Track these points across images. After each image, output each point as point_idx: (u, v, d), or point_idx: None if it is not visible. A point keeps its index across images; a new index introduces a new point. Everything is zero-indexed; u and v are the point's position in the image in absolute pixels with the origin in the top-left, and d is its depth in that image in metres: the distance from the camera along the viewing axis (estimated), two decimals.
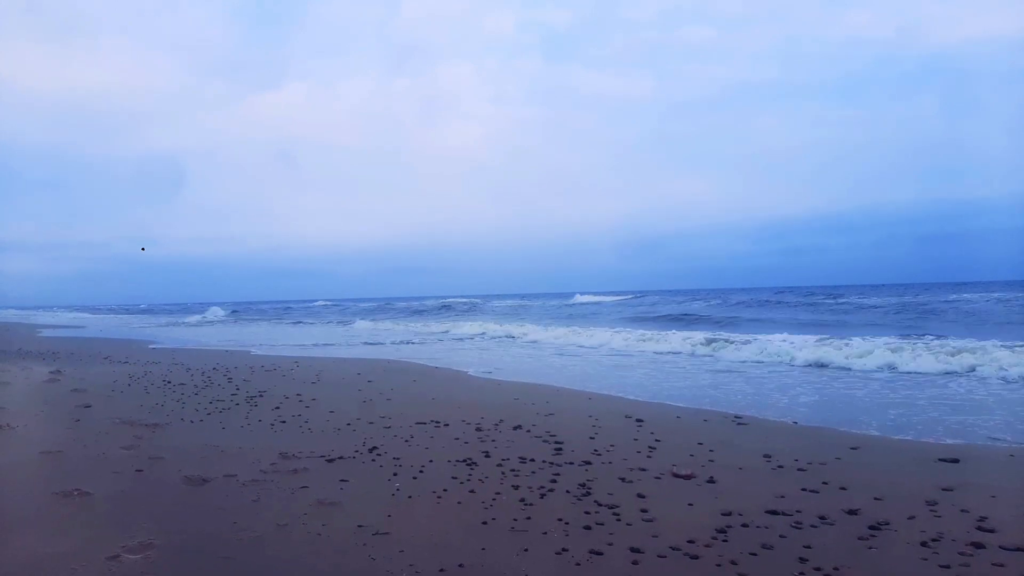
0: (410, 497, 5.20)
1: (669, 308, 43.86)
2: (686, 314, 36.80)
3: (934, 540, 4.22)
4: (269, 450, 6.68)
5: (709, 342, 18.12)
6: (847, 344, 15.81)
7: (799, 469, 5.97)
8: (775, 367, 14.44)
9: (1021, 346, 13.38)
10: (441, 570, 3.80)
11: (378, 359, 17.72)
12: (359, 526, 4.49)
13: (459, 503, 5.06)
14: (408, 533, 4.38)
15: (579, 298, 63.58)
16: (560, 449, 6.75)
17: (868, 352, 14.49)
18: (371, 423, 8.15)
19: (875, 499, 5.07)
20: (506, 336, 25.92)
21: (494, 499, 5.13)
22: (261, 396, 10.36)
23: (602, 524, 4.57)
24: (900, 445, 7.09)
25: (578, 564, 3.92)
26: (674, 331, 23.02)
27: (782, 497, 5.14)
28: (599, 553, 4.07)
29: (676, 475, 5.81)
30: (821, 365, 14.23)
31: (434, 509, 4.94)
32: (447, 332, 29.87)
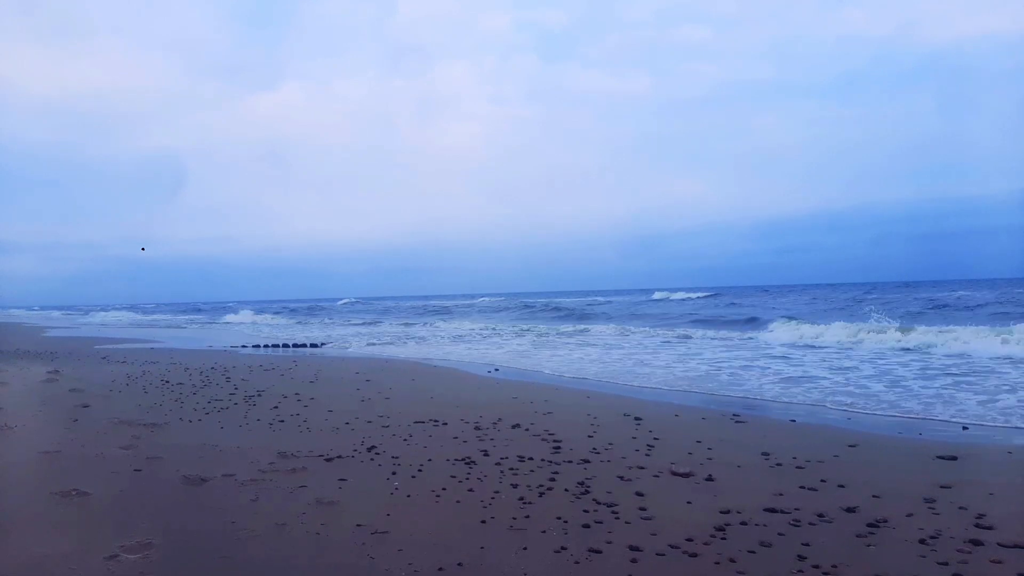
0: (409, 496, 5.20)
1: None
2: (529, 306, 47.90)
3: (932, 537, 4.23)
4: (267, 449, 6.67)
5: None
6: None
7: (797, 467, 5.98)
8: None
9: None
10: (440, 569, 3.80)
11: (376, 358, 17.71)
12: (358, 525, 4.48)
13: (458, 502, 5.06)
14: (407, 532, 4.38)
15: (482, 299, 71.81)
16: (559, 448, 6.75)
17: None
18: (369, 422, 8.14)
19: (873, 497, 5.08)
20: (311, 344, 23.90)
21: (493, 498, 5.13)
22: (259, 395, 10.35)
23: (601, 522, 4.57)
24: (898, 443, 7.10)
25: (577, 562, 3.92)
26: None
27: (780, 495, 5.14)
28: (598, 551, 4.07)
29: (675, 473, 5.81)
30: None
31: (433, 508, 4.93)
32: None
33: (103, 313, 70.50)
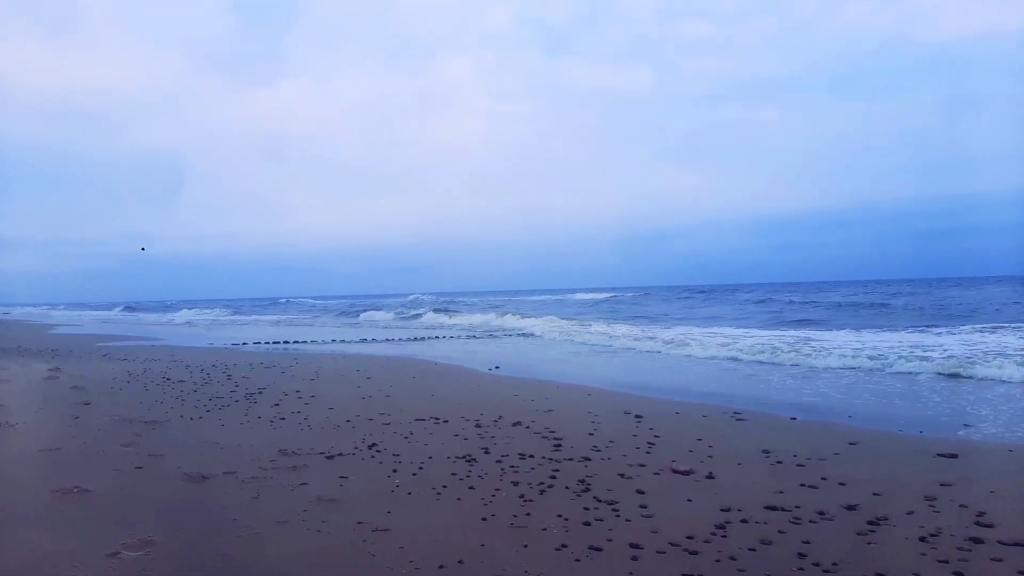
0: (410, 493, 5.21)
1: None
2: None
3: (933, 535, 4.23)
4: (268, 447, 6.68)
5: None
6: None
7: (798, 465, 5.98)
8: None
9: None
10: (441, 566, 3.80)
11: (377, 355, 17.72)
12: (359, 523, 4.49)
13: (459, 499, 5.07)
14: (408, 529, 4.39)
15: (415, 297, 75.36)
16: (559, 445, 6.75)
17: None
18: (370, 420, 8.15)
19: (874, 494, 5.08)
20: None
21: (494, 495, 5.14)
22: (260, 393, 10.36)
23: (601, 520, 4.57)
24: (899, 440, 7.10)
25: (577, 560, 3.93)
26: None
27: (781, 493, 5.15)
28: (598, 549, 4.07)
29: (675, 471, 5.82)
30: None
31: (434, 505, 4.94)
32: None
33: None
